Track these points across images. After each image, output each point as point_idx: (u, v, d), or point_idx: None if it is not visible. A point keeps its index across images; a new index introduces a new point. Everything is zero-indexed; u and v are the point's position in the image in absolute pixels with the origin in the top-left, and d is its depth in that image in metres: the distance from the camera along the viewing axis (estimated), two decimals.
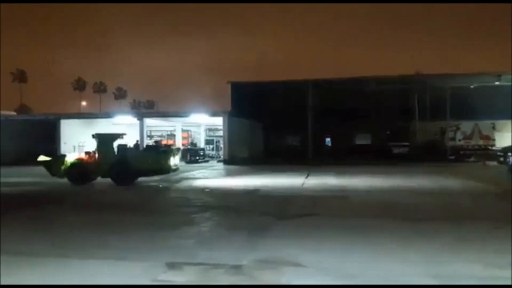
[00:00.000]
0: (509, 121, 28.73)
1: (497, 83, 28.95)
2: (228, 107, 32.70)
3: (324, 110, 31.34)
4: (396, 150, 29.32)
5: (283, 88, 33.32)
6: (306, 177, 16.58)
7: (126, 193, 13.41)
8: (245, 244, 6.51)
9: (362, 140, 31.82)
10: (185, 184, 15.32)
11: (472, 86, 29.75)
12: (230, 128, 26.24)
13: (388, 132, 30.80)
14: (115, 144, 15.91)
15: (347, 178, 16.08)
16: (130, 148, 16.62)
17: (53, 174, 15.86)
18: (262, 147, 31.93)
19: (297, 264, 5.52)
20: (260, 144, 31.87)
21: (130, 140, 17.41)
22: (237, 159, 25.13)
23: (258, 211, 9.45)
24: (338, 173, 17.84)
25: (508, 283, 4.78)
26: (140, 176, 15.52)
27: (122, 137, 16.37)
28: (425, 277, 5.00)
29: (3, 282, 4.84)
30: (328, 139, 32.85)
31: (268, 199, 11.58)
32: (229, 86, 34.80)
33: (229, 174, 19.68)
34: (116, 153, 15.63)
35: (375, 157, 26.65)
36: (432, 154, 26.17)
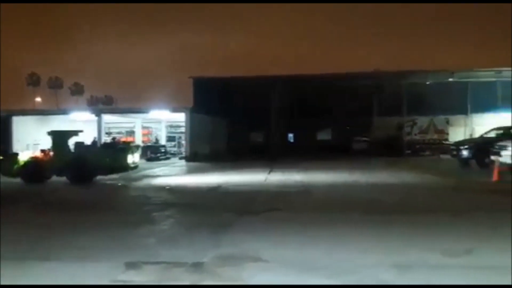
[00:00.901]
0: (462, 116, 30.11)
1: (450, 79, 30.22)
2: (191, 103, 32.30)
3: (287, 106, 31.61)
4: (356, 146, 30.05)
5: (247, 84, 33.25)
6: (269, 173, 16.63)
7: (83, 192, 12.94)
8: (207, 241, 6.41)
9: (324, 136, 32.37)
10: (145, 182, 14.97)
11: (427, 83, 30.90)
12: (192, 124, 25.91)
13: (348, 128, 31.49)
14: (71, 141, 15.36)
15: (310, 174, 16.27)
16: (87, 145, 16.08)
17: (4, 173, 15.12)
18: (225, 143, 31.77)
19: (259, 259, 5.49)
20: (223, 140, 31.69)
21: (87, 137, 16.81)
22: (199, 156, 24.87)
23: (220, 208, 9.36)
24: (301, 169, 18.01)
25: (474, 272, 4.95)
26: (97, 174, 15.02)
27: (78, 134, 15.81)
28: (385, 266, 5.10)
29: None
30: (291, 135, 33.16)
31: (230, 195, 11.51)
32: (191, 82, 34.37)
33: (190, 171, 19.44)
34: (72, 151, 15.11)
35: (336, 153, 27.14)
36: (390, 149, 26.99)
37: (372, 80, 31.43)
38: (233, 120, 31.67)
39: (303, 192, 11.67)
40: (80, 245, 6.35)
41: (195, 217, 8.57)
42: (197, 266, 5.23)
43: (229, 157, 26.52)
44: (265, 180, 14.58)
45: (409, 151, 27.43)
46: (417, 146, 28.01)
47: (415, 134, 28.88)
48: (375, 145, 28.77)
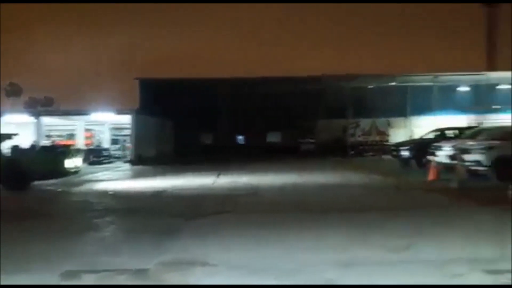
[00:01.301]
0: (402, 119, 31.69)
1: (392, 83, 31.74)
2: (137, 105, 31.42)
3: (237, 108, 31.65)
4: (304, 147, 30.67)
5: (195, 85, 32.89)
6: (218, 176, 16.51)
7: (18, 199, 12.11)
8: (152, 248, 6.21)
9: (273, 138, 32.75)
10: (86, 187, 14.31)
11: (370, 87, 32.22)
12: (137, 126, 25.15)
13: (296, 130, 32.08)
14: (5, 145, 14.37)
15: (258, 176, 16.33)
16: (23, 149, 15.11)
17: None
18: (173, 146, 31.18)
19: (207, 264, 5.41)
20: (170, 143, 31.09)
21: (26, 141, 15.79)
22: (145, 159, 24.20)
23: (166, 213, 9.13)
24: (250, 171, 18.05)
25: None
26: (34, 179, 14.14)
27: (12, 138, 14.81)
28: (330, 264, 5.20)
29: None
30: (240, 137, 33.21)
31: (177, 199, 11.26)
32: (137, 83, 33.45)
33: (135, 175, 18.86)
34: (7, 155, 14.14)
35: (285, 154, 27.52)
36: (336, 150, 27.80)
37: (318, 84, 32.24)
38: (181, 122, 31.19)
39: (252, 195, 11.68)
40: (14, 256, 5.91)
41: (140, 223, 8.29)
42: (141, 272, 5.05)
43: (177, 160, 26.04)
44: (214, 183, 14.45)
45: (353, 152, 28.39)
46: (361, 147, 29.05)
47: (359, 136, 29.96)
48: (321, 147, 29.51)
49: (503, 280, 4.51)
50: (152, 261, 5.46)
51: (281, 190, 12.62)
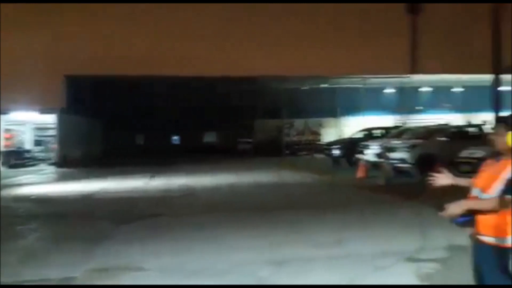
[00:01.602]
0: (333, 119, 32.98)
1: (323, 85, 32.91)
2: (63, 104, 29.62)
3: (172, 108, 30.98)
4: (240, 147, 30.79)
5: (129, 84, 31.66)
6: (151, 178, 16.04)
7: None
8: (80, 254, 5.88)
9: (210, 138, 32.51)
10: (5, 191, 13.21)
11: (303, 88, 33.16)
12: (63, 126, 23.69)
13: (233, 130, 32.13)
14: None
15: (194, 177, 16.11)
16: None
17: None
18: (103, 147, 29.80)
19: (138, 269, 5.23)
20: (100, 144, 29.68)
21: None
22: (72, 161, 22.86)
23: (95, 218, 8.69)
24: (186, 172, 17.76)
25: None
26: None
27: None
28: (262, 263, 5.25)
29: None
30: (175, 138, 32.55)
31: (107, 203, 10.77)
32: (64, 81, 31.54)
33: (61, 178, 17.74)
34: None
35: (221, 154, 27.44)
36: (272, 149, 28.26)
37: (254, 84, 32.57)
38: (112, 122, 29.90)
39: (187, 196, 11.49)
40: None
41: (66, 229, 7.82)
42: (67, 281, 4.77)
43: (108, 161, 24.90)
44: (147, 185, 14.02)
45: (288, 151, 29.03)
46: (295, 147, 29.78)
47: (293, 136, 30.71)
48: (257, 147, 29.84)
49: (425, 269, 4.81)
50: (79, 269, 5.18)
51: (217, 190, 12.55)
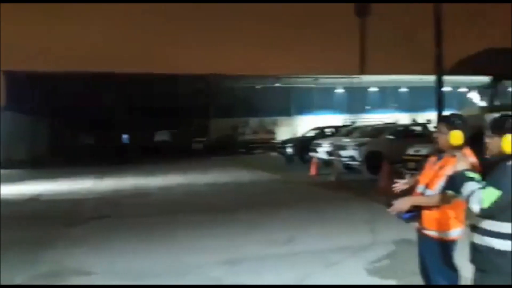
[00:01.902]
0: (286, 118, 33.44)
1: (277, 84, 33.26)
2: (2, 101, 27.92)
3: (122, 106, 30.04)
4: (195, 146, 30.43)
5: (78, 81, 30.25)
6: (100, 178, 15.48)
7: None
8: (22, 260, 5.57)
9: (162, 137, 31.84)
10: None
11: (257, 87, 33.33)
12: (4, 126, 22.28)
13: (186, 129, 31.72)
14: None
15: (145, 177, 15.71)
16: None
17: None
18: (50, 147, 28.37)
19: (85, 273, 5.03)
20: (47, 144, 28.24)
21: None
22: (14, 162, 21.57)
23: (39, 221, 8.26)
24: (136, 172, 17.28)
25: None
26: None
27: None
28: (217, 263, 5.21)
29: None
30: (125, 136, 31.59)
31: (53, 205, 10.26)
32: (2, 76, 29.67)
33: (5, 180, 16.68)
34: None
35: (175, 154, 26.98)
36: (226, 148, 28.18)
37: (208, 83, 32.32)
38: (61, 120, 28.53)
39: (137, 197, 11.20)
40: None
41: (7, 233, 7.34)
42: None
43: (55, 162, 23.73)
44: (95, 186, 13.52)
45: (243, 150, 29.08)
46: (250, 145, 29.88)
47: (248, 134, 30.78)
48: (212, 145, 29.65)
49: (375, 263, 4.97)
50: (21, 274, 4.91)
51: (169, 191, 12.30)
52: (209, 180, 14.36)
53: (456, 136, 2.95)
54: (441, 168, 3.06)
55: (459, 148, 2.93)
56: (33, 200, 10.99)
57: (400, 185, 3.40)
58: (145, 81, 31.30)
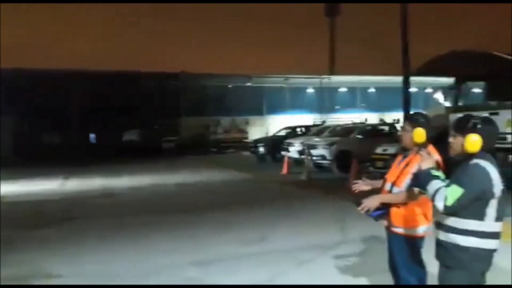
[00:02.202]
0: (258, 117, 33.52)
1: (248, 84, 33.27)
2: None
3: (89, 105, 29.25)
4: (165, 145, 30.01)
5: (42, 78, 29.17)
6: (65, 179, 15.04)
7: None
8: None
9: (131, 136, 31.20)
10: None
11: (229, 86, 33.24)
12: None
13: (156, 128, 31.25)
14: None
15: (114, 177, 15.36)
16: None
17: None
18: (13, 147, 27.30)
19: (52, 276, 4.89)
20: (10, 143, 27.16)
21: None
22: None
23: (4, 223, 7.94)
24: (104, 172, 16.87)
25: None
26: None
27: None
28: (189, 264, 5.17)
29: None
30: (92, 136, 30.79)
31: (17, 207, 9.89)
32: None
33: None
34: None
35: (145, 153, 26.53)
36: (198, 148, 27.96)
37: (178, 81, 31.96)
38: (22, 118, 27.49)
39: (105, 197, 10.95)
40: None
41: None
42: None
43: (16, 162, 22.82)
44: (61, 187, 13.13)
45: (215, 149, 28.93)
46: (222, 145, 29.75)
47: (220, 134, 30.64)
48: (183, 145, 29.34)
49: (347, 262, 5.05)
50: None
51: (137, 191, 12.07)
52: (180, 180, 14.20)
53: (419, 134, 3.05)
54: (406, 165, 3.15)
55: (422, 145, 3.04)
56: None
57: (359, 185, 3.45)
58: (114, 79, 30.61)
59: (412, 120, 3.21)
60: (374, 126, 17.29)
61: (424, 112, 3.80)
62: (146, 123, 31.03)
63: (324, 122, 28.60)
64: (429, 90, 36.98)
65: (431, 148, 3.07)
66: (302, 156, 14.19)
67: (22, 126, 27.84)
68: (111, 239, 6.57)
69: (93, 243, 6.36)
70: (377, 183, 3.41)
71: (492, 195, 2.42)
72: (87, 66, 38.60)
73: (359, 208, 3.18)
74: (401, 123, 14.30)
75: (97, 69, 30.33)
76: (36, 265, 5.33)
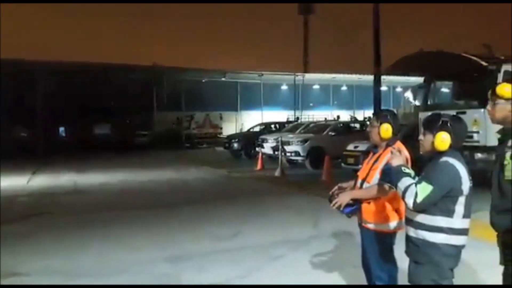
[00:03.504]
0: (233, 113, 33.43)
1: (223, 79, 33.09)
2: None
3: (58, 96, 28.34)
4: (137, 140, 29.50)
5: (6, 69, 28.02)
6: (33, 174, 14.56)
7: None
8: None
9: (102, 130, 30.47)
10: None
11: (203, 80, 32.96)
12: None
13: (128, 122, 30.66)
14: None
15: (83, 173, 14.94)
16: None
17: None
18: None
19: (16, 274, 4.73)
20: None
21: None
22: None
23: None
24: (73, 168, 16.42)
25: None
26: None
27: None
28: (159, 260, 5.11)
29: None
30: (62, 129, 29.93)
31: None
32: None
33: None
34: None
35: (116, 148, 25.99)
36: (171, 142, 27.63)
37: (150, 74, 31.42)
38: None
39: (74, 193, 10.67)
40: None
41: None
42: None
43: None
44: (28, 182, 12.72)
45: (188, 144, 28.67)
46: (195, 140, 29.51)
47: (193, 128, 30.35)
48: (156, 139, 28.92)
49: (320, 257, 5.10)
50: None
51: (107, 187, 11.80)
52: (152, 176, 13.94)
53: (386, 129, 3.11)
54: (376, 161, 3.20)
55: (389, 140, 3.10)
56: None
57: (341, 198, 3.17)
58: (85, 70, 29.78)
59: (378, 116, 3.26)
60: (346, 124, 17.55)
61: (390, 109, 3.87)
62: (118, 116, 30.37)
63: (298, 118, 28.77)
64: (399, 89, 37.84)
65: (399, 144, 3.13)
66: (276, 152, 14.25)
67: None
68: (81, 234, 6.41)
69: (62, 240, 6.18)
70: (351, 184, 3.43)
71: (461, 192, 2.48)
72: (57, 57, 37.38)
73: (331, 204, 3.21)
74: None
75: (67, 60, 29.45)
76: (2, 262, 5.14)
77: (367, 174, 3.22)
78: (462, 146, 2.68)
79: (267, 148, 15.55)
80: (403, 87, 35.88)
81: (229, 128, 30.38)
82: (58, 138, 29.07)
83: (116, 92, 30.38)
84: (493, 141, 4.02)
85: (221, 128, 30.84)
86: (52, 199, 9.84)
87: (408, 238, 2.64)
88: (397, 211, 3.16)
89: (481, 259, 4.14)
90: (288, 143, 14.40)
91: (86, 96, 29.21)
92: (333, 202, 3.19)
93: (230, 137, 20.84)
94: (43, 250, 5.68)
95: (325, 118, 21.98)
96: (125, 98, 30.54)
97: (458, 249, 2.54)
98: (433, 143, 2.53)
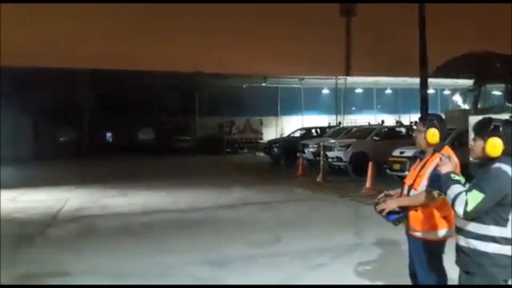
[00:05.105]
0: (273, 118, 33.48)
1: (263, 84, 33.23)
2: None
3: (104, 103, 29.53)
4: (180, 145, 30.15)
5: (54, 76, 29.43)
6: (80, 182, 13.67)
7: None
8: None
9: (146, 135, 31.40)
10: None
11: (244, 86, 33.25)
12: None
13: (170, 127, 31.39)
14: None
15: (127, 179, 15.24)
16: None
17: None
18: (32, 146, 27.59)
19: (64, 274, 4.94)
20: (29, 142, 27.48)
21: None
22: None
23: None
24: (119, 181, 16.85)
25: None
26: None
27: None
28: (200, 264, 5.17)
29: None
30: (109, 135, 31.08)
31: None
32: None
33: None
34: None
35: (159, 153, 26.66)
36: (212, 147, 28.03)
37: (192, 81, 32.07)
38: (39, 117, 27.73)
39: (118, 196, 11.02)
40: None
41: None
42: None
43: (35, 161, 22.68)
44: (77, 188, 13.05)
45: (229, 150, 28.97)
46: (236, 145, 29.77)
47: (234, 134, 30.65)
48: (198, 144, 29.46)
49: (363, 266, 4.98)
50: None
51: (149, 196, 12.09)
52: (196, 183, 14.03)
53: (432, 134, 3.00)
54: (423, 168, 3.10)
55: (436, 146, 2.98)
56: None
57: (389, 204, 3.10)
58: (125, 77, 30.81)
59: (425, 121, 3.16)
60: (391, 128, 17.07)
61: (438, 113, 3.73)
62: (161, 122, 31.20)
63: (339, 123, 28.34)
64: (447, 92, 36.41)
65: (448, 150, 3.01)
66: (318, 158, 14.08)
67: (42, 126, 28.11)
68: (123, 240, 6.58)
69: (105, 243, 6.39)
70: (399, 191, 3.31)
71: None
72: (100, 65, 38.79)
73: (376, 211, 3.13)
74: None
75: (111, 68, 30.60)
76: (50, 264, 5.37)
77: (414, 181, 3.12)
78: None
79: (308, 153, 15.40)
80: (451, 90, 34.50)
81: (270, 133, 30.39)
82: (105, 143, 30.19)
83: (159, 98, 31.26)
84: None
85: (261, 133, 30.94)
86: (98, 203, 10.16)
87: (459, 248, 2.53)
88: (446, 218, 3.02)
89: None
90: (330, 149, 14.18)
91: (131, 102, 30.27)
92: (378, 208, 3.11)
93: (271, 142, 20.86)
94: (90, 252, 5.87)
95: (369, 123, 21.48)
96: (168, 104, 31.37)
97: None
98: (484, 148, 2.42)
